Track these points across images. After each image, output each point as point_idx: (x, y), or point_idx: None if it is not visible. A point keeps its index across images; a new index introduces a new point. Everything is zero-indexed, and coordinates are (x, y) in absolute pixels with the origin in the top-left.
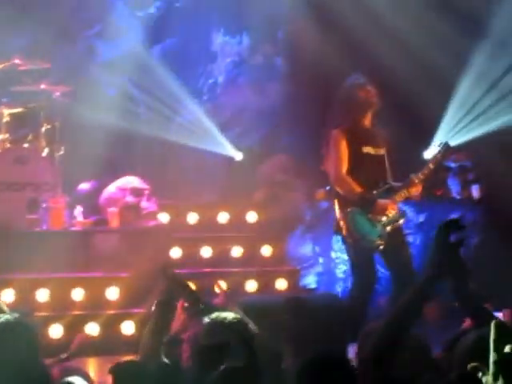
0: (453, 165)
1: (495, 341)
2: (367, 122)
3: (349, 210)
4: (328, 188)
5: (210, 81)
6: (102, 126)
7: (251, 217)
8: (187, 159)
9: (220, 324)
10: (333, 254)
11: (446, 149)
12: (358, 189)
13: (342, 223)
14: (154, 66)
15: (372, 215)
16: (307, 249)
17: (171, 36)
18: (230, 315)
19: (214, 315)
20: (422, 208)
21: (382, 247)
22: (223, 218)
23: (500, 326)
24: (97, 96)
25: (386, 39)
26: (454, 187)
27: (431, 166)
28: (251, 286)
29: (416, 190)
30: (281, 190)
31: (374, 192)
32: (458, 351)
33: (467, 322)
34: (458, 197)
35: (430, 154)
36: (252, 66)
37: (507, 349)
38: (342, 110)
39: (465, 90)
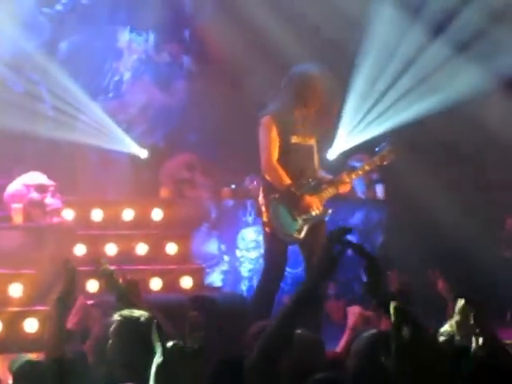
0: (357, 164)
1: (396, 326)
2: (301, 112)
3: (272, 197)
4: (233, 186)
5: (116, 78)
6: (7, 123)
7: (156, 214)
8: (92, 157)
9: (132, 321)
10: (238, 253)
11: (387, 152)
12: (287, 180)
13: (263, 209)
14: (60, 63)
15: (295, 209)
16: (212, 247)
17: (77, 33)
18: (142, 313)
19: (126, 312)
20: (327, 207)
21: (298, 241)
22: (128, 215)
23: (400, 310)
24: (2, 92)
25: (294, 35)
26: (358, 187)
27: (367, 167)
28: (156, 283)
29: (345, 189)
30: (186, 188)
31: (303, 184)
32: (353, 349)
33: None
34: (363, 196)
35: (333, 155)
36: (158, 63)
37: (405, 332)
38: (286, 93)
39: (364, 86)
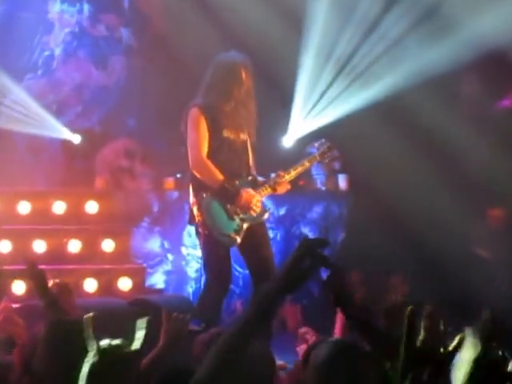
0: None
1: (407, 335)
2: (231, 104)
3: (204, 195)
4: (179, 176)
5: (46, 53)
6: None
7: (91, 207)
8: (19, 144)
9: (63, 323)
10: (184, 250)
11: (327, 148)
12: (219, 176)
13: (195, 210)
14: None
15: (231, 207)
16: (154, 244)
17: (1, 3)
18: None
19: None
20: (283, 200)
21: (237, 243)
22: (59, 207)
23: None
24: None
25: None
26: (318, 177)
27: (307, 163)
28: (90, 285)
29: (283, 189)
30: (124, 178)
31: (237, 182)
32: (312, 361)
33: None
34: (323, 188)
35: (289, 142)
36: (94, 37)
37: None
38: (213, 84)
39: (316, 62)
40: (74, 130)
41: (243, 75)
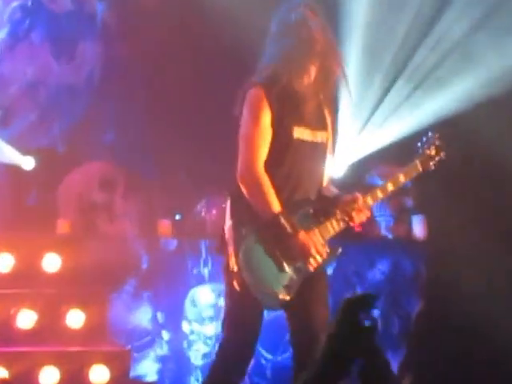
0: (380, 182)
1: None
2: (306, 83)
3: (244, 231)
4: (178, 217)
5: None
6: None
7: (51, 262)
8: None
9: None
10: (185, 326)
11: (436, 149)
12: (275, 204)
13: (230, 249)
14: None
15: (284, 255)
16: (143, 316)
17: None
18: None
19: None
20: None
21: (283, 305)
22: (4, 263)
23: None
24: None
25: None
26: (382, 219)
27: (401, 177)
28: (49, 376)
29: (359, 219)
30: (100, 219)
31: (298, 211)
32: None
33: None
34: (390, 235)
35: (340, 167)
36: (54, 14)
37: None
38: (277, 52)
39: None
40: (25, 150)
41: (310, 25)
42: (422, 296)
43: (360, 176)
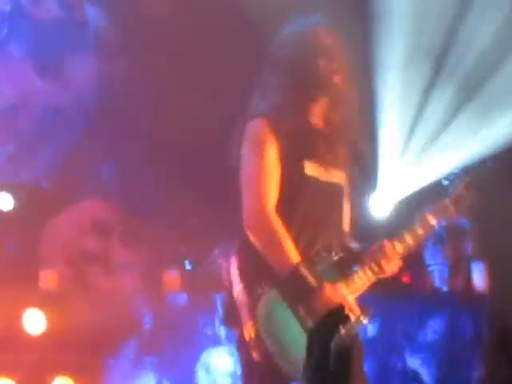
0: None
1: None
2: (318, 116)
3: (260, 291)
4: (189, 265)
5: None
6: None
7: (33, 322)
8: None
9: None
10: None
11: (462, 189)
12: (292, 250)
13: (244, 314)
14: None
15: (308, 311)
16: None
17: None
18: None
19: None
20: (374, 310)
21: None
22: None
23: None
24: None
25: None
26: (436, 268)
27: (430, 219)
28: None
29: (390, 270)
30: (93, 271)
31: (320, 260)
32: None
33: None
34: (445, 287)
35: (382, 209)
36: (38, 21)
37: None
38: (283, 81)
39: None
40: (3, 187)
41: (324, 44)
42: (484, 360)
43: (410, 216)
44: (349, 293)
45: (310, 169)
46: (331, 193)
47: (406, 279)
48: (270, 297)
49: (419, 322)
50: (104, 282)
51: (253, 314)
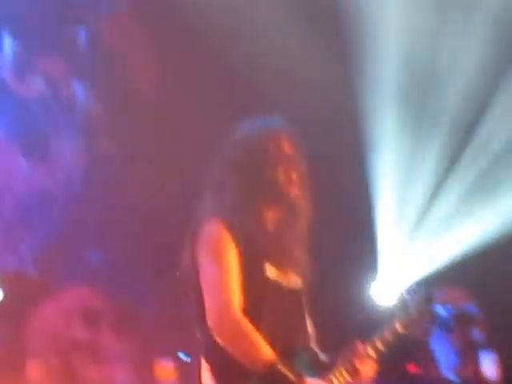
0: (442, 311)
1: None
2: (272, 223)
3: None
4: (183, 357)
5: None
6: None
7: None
8: None
9: None
10: None
11: (427, 300)
12: (266, 348)
13: None
14: None
15: None
16: None
17: None
18: None
19: None
20: None
21: None
22: None
23: None
24: None
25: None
26: (444, 357)
27: (399, 328)
28: None
29: (367, 372)
30: (82, 362)
31: (293, 362)
32: None
33: None
34: (454, 378)
35: (385, 294)
36: (22, 99)
37: None
38: (238, 183)
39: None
40: None
41: (285, 153)
42: None
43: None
44: None
45: (272, 273)
46: (292, 297)
47: (412, 369)
48: None
49: None
50: (93, 373)
51: None
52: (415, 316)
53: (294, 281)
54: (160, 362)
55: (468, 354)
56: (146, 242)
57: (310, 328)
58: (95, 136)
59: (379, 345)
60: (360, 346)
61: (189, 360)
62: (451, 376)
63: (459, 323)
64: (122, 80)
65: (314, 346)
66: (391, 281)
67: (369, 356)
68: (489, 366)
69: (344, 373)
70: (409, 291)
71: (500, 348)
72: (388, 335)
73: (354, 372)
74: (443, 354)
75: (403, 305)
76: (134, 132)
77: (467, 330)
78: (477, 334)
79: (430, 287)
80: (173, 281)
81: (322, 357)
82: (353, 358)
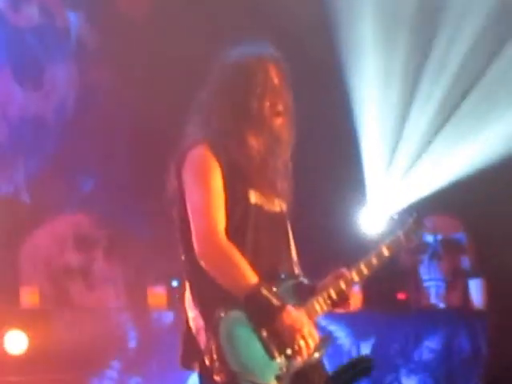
0: (431, 239)
1: None
2: (263, 142)
3: (222, 314)
4: (175, 283)
5: None
6: None
7: (14, 341)
8: None
9: None
10: None
11: (414, 222)
12: (250, 272)
13: (203, 339)
14: None
15: (271, 334)
16: None
17: None
18: None
19: None
20: (366, 328)
21: None
22: None
23: None
24: None
25: None
26: (432, 284)
27: (385, 251)
28: None
29: (349, 302)
30: (75, 286)
31: (275, 288)
32: None
33: None
34: (441, 304)
35: (372, 222)
36: (17, 29)
37: None
38: (222, 107)
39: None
40: None
41: (273, 83)
42: (483, 379)
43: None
44: (308, 318)
45: (255, 198)
46: (276, 221)
47: (401, 296)
48: (231, 317)
49: (415, 340)
50: (87, 299)
51: (214, 336)
52: (403, 239)
53: (279, 205)
54: (152, 288)
55: (456, 281)
56: (138, 168)
57: (294, 253)
58: (88, 64)
59: (364, 269)
60: (345, 271)
61: (180, 287)
62: (439, 302)
63: (447, 251)
64: (116, 9)
65: (297, 271)
66: (379, 208)
67: (354, 281)
68: (476, 293)
69: (327, 299)
70: (397, 215)
71: (487, 275)
72: (374, 259)
73: (334, 302)
74: (432, 281)
75: (391, 228)
76: (126, 60)
77: (455, 258)
78: (465, 261)
79: (419, 213)
80: (164, 205)
81: (306, 282)
82: (338, 282)
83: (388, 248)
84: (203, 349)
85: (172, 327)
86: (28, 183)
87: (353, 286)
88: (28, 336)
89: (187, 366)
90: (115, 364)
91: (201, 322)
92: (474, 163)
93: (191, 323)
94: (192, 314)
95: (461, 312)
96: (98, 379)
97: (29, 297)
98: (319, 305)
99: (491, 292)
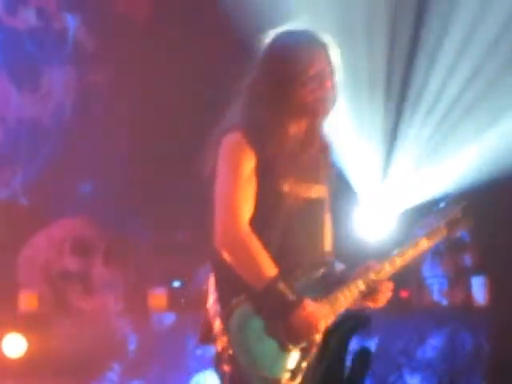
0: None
1: None
2: (301, 130)
3: (235, 301)
4: (176, 284)
5: None
6: None
7: (13, 346)
8: None
9: None
10: None
11: (460, 213)
12: (268, 264)
13: (218, 327)
14: None
15: (287, 332)
16: None
17: None
18: None
19: None
20: (372, 327)
21: None
22: None
23: None
24: None
25: None
26: (434, 282)
27: (424, 242)
28: None
29: (382, 294)
30: (74, 291)
31: (301, 276)
32: None
33: None
34: (444, 302)
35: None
36: (13, 31)
37: None
38: (263, 93)
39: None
40: None
41: (316, 70)
42: (486, 377)
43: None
44: (331, 312)
45: (288, 185)
46: (311, 209)
47: (403, 294)
48: (244, 309)
49: (418, 338)
50: (85, 304)
51: (225, 325)
52: (444, 230)
53: (317, 191)
54: (152, 290)
55: (458, 278)
56: (136, 171)
57: (327, 240)
58: (85, 66)
59: (398, 261)
60: (375, 263)
61: (181, 288)
62: (442, 300)
63: (450, 249)
64: (113, 12)
65: (329, 259)
66: (373, 212)
67: (385, 273)
68: (478, 290)
69: (355, 290)
70: (443, 204)
71: (490, 273)
72: (411, 250)
73: (368, 289)
74: (434, 278)
75: (431, 219)
76: (124, 62)
77: (458, 255)
78: (467, 258)
79: (468, 202)
80: (163, 209)
81: (338, 270)
82: (368, 273)
83: (428, 239)
84: (216, 335)
85: (173, 329)
86: (26, 187)
87: (384, 278)
88: (27, 340)
89: (205, 343)
90: (115, 367)
91: (217, 308)
92: (475, 163)
93: (209, 306)
94: (212, 297)
95: (463, 309)
96: (98, 383)
97: (28, 300)
98: (344, 297)
99: (494, 289)
